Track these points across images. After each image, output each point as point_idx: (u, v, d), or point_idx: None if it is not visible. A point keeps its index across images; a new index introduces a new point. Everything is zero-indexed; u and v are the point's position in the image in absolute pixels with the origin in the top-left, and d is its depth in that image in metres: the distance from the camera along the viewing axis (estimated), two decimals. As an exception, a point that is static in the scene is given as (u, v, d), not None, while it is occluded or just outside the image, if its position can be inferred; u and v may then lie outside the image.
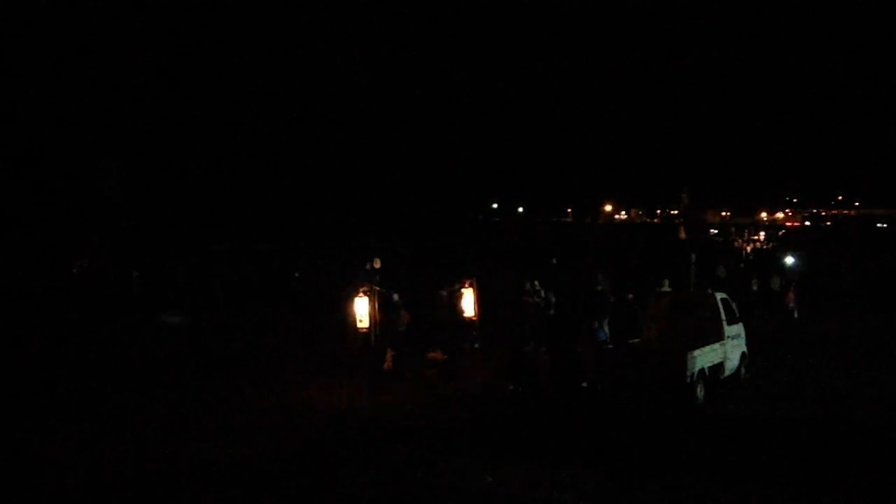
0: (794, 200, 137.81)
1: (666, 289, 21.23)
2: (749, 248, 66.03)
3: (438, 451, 11.66)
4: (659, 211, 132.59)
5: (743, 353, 16.63)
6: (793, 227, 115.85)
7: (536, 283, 21.57)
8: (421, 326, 19.90)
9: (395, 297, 19.69)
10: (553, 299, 21.21)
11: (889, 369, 17.55)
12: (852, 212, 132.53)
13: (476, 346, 19.87)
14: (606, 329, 18.06)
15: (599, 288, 19.51)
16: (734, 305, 16.77)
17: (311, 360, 19.11)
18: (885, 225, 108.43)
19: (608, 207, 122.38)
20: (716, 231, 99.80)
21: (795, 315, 26.07)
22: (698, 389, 14.38)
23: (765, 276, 32.37)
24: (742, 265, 43.98)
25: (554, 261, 40.45)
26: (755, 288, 30.49)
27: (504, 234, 76.37)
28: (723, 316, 15.94)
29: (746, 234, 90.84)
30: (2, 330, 23.34)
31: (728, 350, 15.77)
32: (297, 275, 36.67)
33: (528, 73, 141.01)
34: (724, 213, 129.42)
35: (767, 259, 47.29)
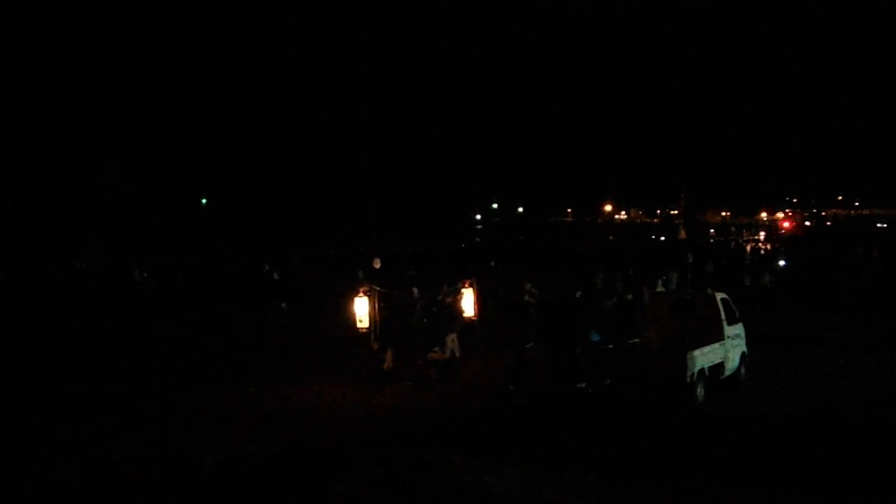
0: (794, 200, 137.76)
1: (660, 289, 21.22)
2: (749, 248, 66.14)
3: (438, 451, 11.66)
4: (659, 211, 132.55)
5: (743, 353, 16.62)
6: (792, 227, 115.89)
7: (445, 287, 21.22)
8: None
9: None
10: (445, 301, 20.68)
11: (889, 369, 17.55)
12: (852, 212, 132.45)
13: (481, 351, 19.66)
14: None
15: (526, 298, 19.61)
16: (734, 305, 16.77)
17: (312, 360, 19.11)
18: (885, 225, 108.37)
19: (608, 207, 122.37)
20: (714, 231, 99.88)
21: None
22: (698, 389, 14.38)
23: (756, 274, 32.77)
24: (747, 262, 44.11)
25: (492, 263, 40.12)
26: (746, 284, 30.96)
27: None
28: (723, 316, 15.92)
29: (745, 234, 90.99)
30: (2, 329, 23.33)
31: (728, 350, 15.76)
32: (302, 274, 36.46)
33: (528, 73, 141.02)
34: (724, 213, 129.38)
35: (763, 258, 47.47)
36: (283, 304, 25.01)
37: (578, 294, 18.73)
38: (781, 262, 39.11)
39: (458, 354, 17.92)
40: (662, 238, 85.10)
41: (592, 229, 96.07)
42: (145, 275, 33.67)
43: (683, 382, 13.98)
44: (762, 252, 58.71)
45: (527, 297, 21.48)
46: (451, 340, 18.07)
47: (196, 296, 32.21)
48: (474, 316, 18.72)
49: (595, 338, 16.52)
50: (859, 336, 22.21)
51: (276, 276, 31.46)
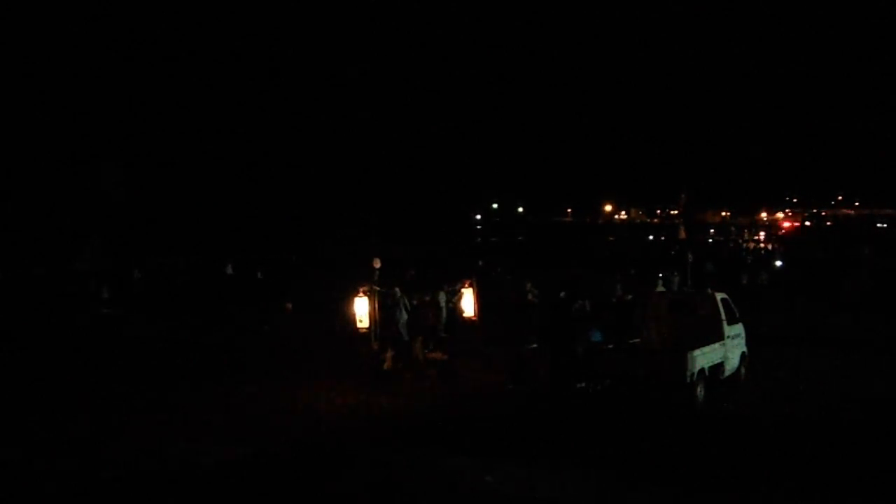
0: (794, 200, 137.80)
1: (660, 289, 21.20)
2: (750, 248, 66.43)
3: (438, 451, 11.67)
4: (659, 211, 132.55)
5: (743, 353, 16.63)
6: (791, 227, 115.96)
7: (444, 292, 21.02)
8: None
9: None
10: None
11: (889, 369, 17.56)
12: (852, 212, 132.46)
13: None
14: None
15: (529, 296, 19.56)
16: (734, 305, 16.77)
17: (312, 360, 19.11)
18: (885, 225, 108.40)
19: (608, 207, 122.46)
20: (715, 231, 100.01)
21: None
22: (698, 389, 14.38)
23: (754, 274, 33.04)
24: (748, 262, 44.24)
25: (480, 263, 39.96)
26: (744, 283, 31.26)
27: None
28: (723, 316, 15.93)
29: (746, 234, 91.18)
30: (2, 329, 23.34)
31: (728, 350, 15.76)
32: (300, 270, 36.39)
33: (528, 73, 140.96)
34: (724, 213, 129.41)
35: (761, 258, 47.68)
36: (289, 304, 25.05)
37: (562, 294, 18.72)
38: (778, 263, 39.37)
39: (420, 358, 17.86)
40: (662, 238, 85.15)
41: (593, 229, 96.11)
42: (138, 274, 33.76)
43: (683, 382, 13.98)
44: (762, 252, 58.85)
45: (529, 297, 21.48)
46: (418, 344, 18.04)
47: (196, 296, 32.24)
48: (474, 316, 18.72)
49: (597, 337, 16.51)
50: (859, 336, 22.21)
51: (259, 275, 31.50)
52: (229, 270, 35.00)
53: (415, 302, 19.11)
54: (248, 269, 36.85)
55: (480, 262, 39.47)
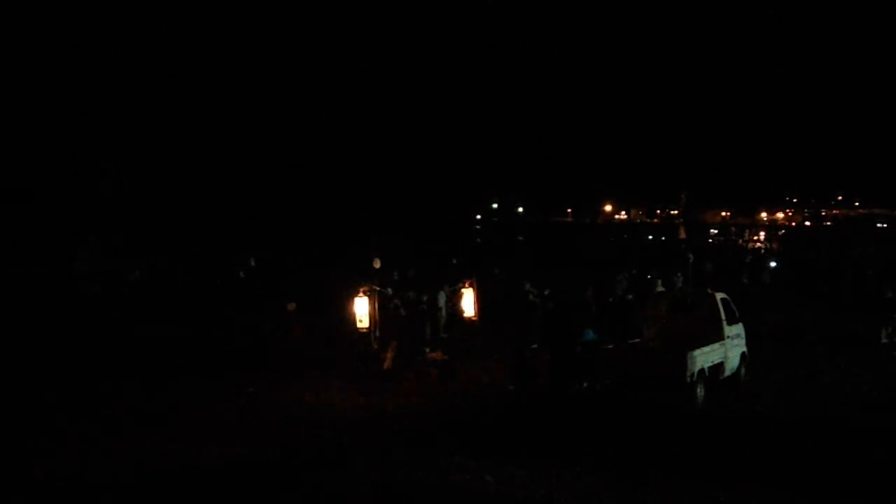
0: (794, 200, 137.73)
1: (660, 289, 21.22)
2: (751, 247, 66.47)
3: (438, 451, 11.67)
4: (659, 211, 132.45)
5: (743, 353, 16.63)
6: (791, 227, 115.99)
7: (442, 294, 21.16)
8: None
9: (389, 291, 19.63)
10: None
11: (889, 369, 17.56)
12: (852, 212, 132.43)
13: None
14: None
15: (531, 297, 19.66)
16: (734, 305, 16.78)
17: (312, 360, 19.10)
18: (885, 225, 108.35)
19: (608, 207, 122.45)
20: (716, 231, 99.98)
21: None
22: (698, 389, 14.39)
23: (756, 272, 33.10)
24: (747, 261, 44.21)
25: (454, 261, 39.63)
26: (744, 282, 31.31)
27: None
28: (723, 316, 15.94)
29: (747, 234, 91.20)
30: (1, 330, 23.31)
31: (728, 350, 15.77)
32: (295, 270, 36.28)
33: (527, 72, 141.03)
34: (724, 213, 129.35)
35: (762, 257, 47.72)
36: (289, 305, 24.96)
37: (547, 292, 18.73)
38: (773, 264, 39.42)
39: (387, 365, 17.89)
40: (662, 238, 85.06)
41: (591, 229, 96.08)
42: (138, 273, 33.71)
43: (683, 382, 13.99)
44: (763, 252, 58.86)
45: (531, 297, 21.48)
46: (392, 348, 18.05)
47: (195, 296, 32.18)
48: (474, 316, 18.72)
49: (590, 336, 16.49)
50: (859, 335, 22.20)
51: (242, 274, 31.32)
52: (252, 263, 34.97)
53: (396, 302, 19.16)
54: (243, 269, 36.82)
55: (454, 260, 38.85)
